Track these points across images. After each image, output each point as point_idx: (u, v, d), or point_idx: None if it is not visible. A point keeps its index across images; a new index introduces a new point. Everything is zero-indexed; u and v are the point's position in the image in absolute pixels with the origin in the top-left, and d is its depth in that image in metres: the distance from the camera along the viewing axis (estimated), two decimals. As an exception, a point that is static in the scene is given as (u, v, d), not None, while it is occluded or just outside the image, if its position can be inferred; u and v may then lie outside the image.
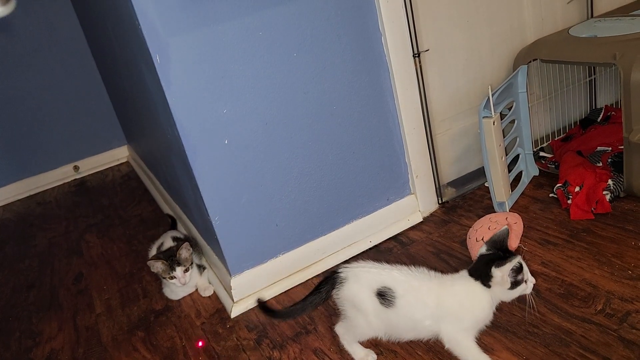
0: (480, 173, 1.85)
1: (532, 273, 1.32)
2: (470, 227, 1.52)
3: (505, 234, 1.11)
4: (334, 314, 1.36)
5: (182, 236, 1.76)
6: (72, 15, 3.04)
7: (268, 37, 1.36)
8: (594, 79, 1.96)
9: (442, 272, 1.41)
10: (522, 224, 1.48)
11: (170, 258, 1.55)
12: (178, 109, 1.29)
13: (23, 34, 2.95)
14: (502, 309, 1.23)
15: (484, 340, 1.15)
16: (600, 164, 1.64)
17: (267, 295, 1.50)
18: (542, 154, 1.85)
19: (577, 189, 1.54)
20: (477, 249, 1.39)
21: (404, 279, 1.10)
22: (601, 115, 1.93)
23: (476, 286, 1.08)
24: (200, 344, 1.38)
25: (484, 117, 1.48)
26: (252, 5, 1.32)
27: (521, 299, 1.24)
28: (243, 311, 1.47)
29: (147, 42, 1.22)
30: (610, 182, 1.52)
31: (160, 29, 1.23)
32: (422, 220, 1.70)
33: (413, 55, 1.56)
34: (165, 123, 1.45)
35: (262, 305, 1.30)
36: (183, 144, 1.33)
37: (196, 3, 1.25)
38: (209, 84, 1.31)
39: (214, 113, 1.34)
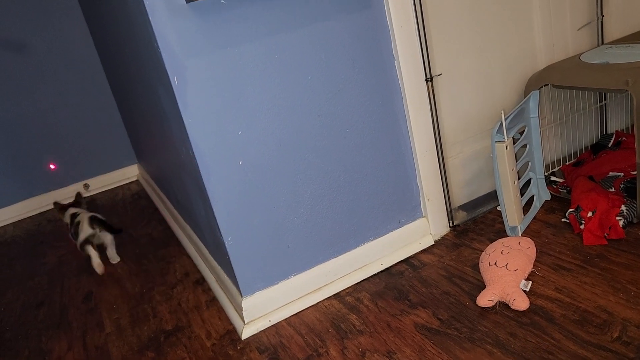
0: (490, 197, 1.85)
1: (546, 298, 1.32)
2: (482, 251, 1.51)
3: None
4: (345, 337, 1.35)
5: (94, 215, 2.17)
6: (86, 37, 3.10)
7: (283, 61, 1.38)
8: (605, 104, 1.97)
9: (456, 296, 1.41)
10: (535, 248, 1.47)
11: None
12: (194, 130, 1.31)
13: (38, 54, 3.01)
14: (516, 334, 1.22)
15: (498, 366, 1.14)
16: (613, 190, 1.63)
17: (279, 317, 1.50)
18: (553, 178, 1.85)
19: (589, 214, 1.53)
20: (490, 273, 1.39)
21: None
22: (612, 141, 1.93)
23: None
24: (52, 166, 1.38)
25: (496, 141, 1.48)
26: (269, 29, 1.34)
27: (536, 325, 1.23)
28: (254, 333, 1.47)
29: (166, 64, 1.25)
30: (623, 207, 1.51)
31: (178, 52, 1.25)
32: (433, 243, 1.70)
33: (426, 80, 1.58)
34: (180, 143, 1.47)
35: None
36: (198, 164, 1.34)
37: (214, 26, 1.28)
38: (224, 106, 1.33)
39: (229, 134, 1.35)
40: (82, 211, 2.24)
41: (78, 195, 2.45)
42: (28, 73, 3.00)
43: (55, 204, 2.38)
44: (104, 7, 2.10)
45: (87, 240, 2.10)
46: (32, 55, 3.00)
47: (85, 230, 2.10)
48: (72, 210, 2.28)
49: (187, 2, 1.23)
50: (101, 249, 2.14)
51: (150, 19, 1.21)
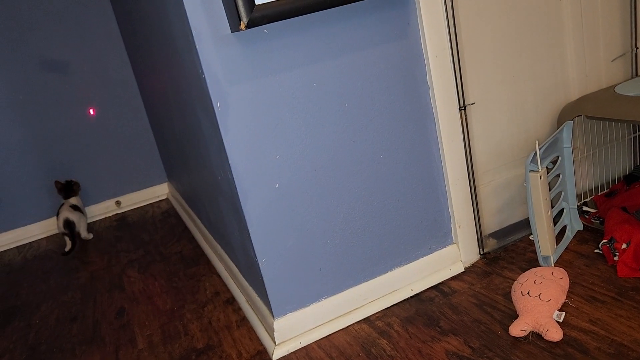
0: (522, 225, 1.85)
1: (580, 330, 1.31)
2: (514, 280, 1.51)
3: None
4: (376, 362, 1.36)
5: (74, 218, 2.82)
6: (124, 57, 3.21)
7: (321, 88, 1.42)
8: (639, 135, 1.96)
9: (487, 325, 1.40)
10: (568, 279, 1.47)
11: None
12: (234, 153, 1.35)
13: (75, 74, 3.12)
14: (550, 366, 1.21)
15: (532, 397, 1.14)
16: (647, 222, 1.62)
17: (309, 339, 1.51)
18: (585, 208, 1.84)
19: (624, 246, 1.52)
20: (523, 303, 1.38)
21: None
22: (646, 172, 1.92)
23: None
24: (91, 111, 1.42)
25: (530, 171, 1.49)
26: (308, 58, 1.39)
27: (570, 356, 1.22)
28: (285, 354, 1.48)
29: (210, 90, 1.30)
30: (658, 240, 1.50)
31: (222, 79, 1.30)
32: (463, 270, 1.70)
33: (459, 108, 1.60)
34: (218, 166, 1.51)
35: None
36: (236, 186, 1.38)
37: (256, 55, 1.33)
38: (264, 131, 1.37)
39: (267, 158, 1.39)
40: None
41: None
42: (65, 92, 3.12)
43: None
44: (143, 31, 2.18)
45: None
46: (69, 74, 3.11)
47: None
48: None
49: (232, 32, 1.28)
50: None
51: (196, 47, 1.26)
